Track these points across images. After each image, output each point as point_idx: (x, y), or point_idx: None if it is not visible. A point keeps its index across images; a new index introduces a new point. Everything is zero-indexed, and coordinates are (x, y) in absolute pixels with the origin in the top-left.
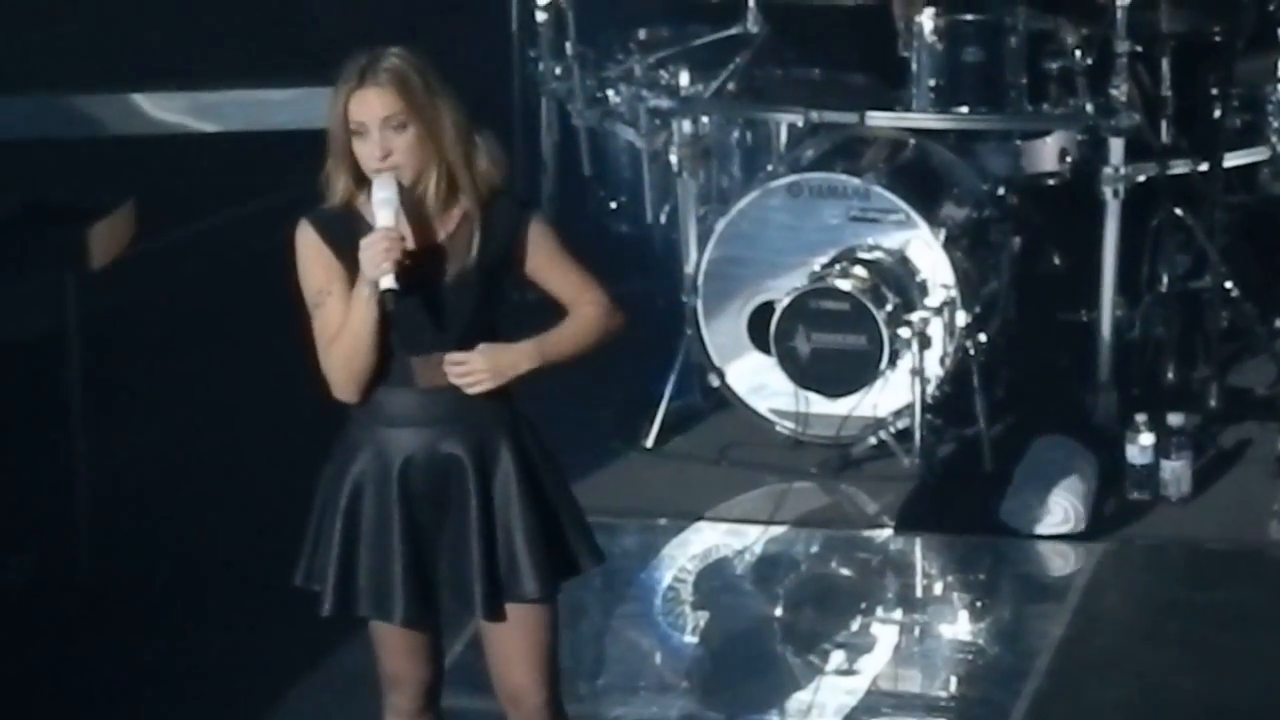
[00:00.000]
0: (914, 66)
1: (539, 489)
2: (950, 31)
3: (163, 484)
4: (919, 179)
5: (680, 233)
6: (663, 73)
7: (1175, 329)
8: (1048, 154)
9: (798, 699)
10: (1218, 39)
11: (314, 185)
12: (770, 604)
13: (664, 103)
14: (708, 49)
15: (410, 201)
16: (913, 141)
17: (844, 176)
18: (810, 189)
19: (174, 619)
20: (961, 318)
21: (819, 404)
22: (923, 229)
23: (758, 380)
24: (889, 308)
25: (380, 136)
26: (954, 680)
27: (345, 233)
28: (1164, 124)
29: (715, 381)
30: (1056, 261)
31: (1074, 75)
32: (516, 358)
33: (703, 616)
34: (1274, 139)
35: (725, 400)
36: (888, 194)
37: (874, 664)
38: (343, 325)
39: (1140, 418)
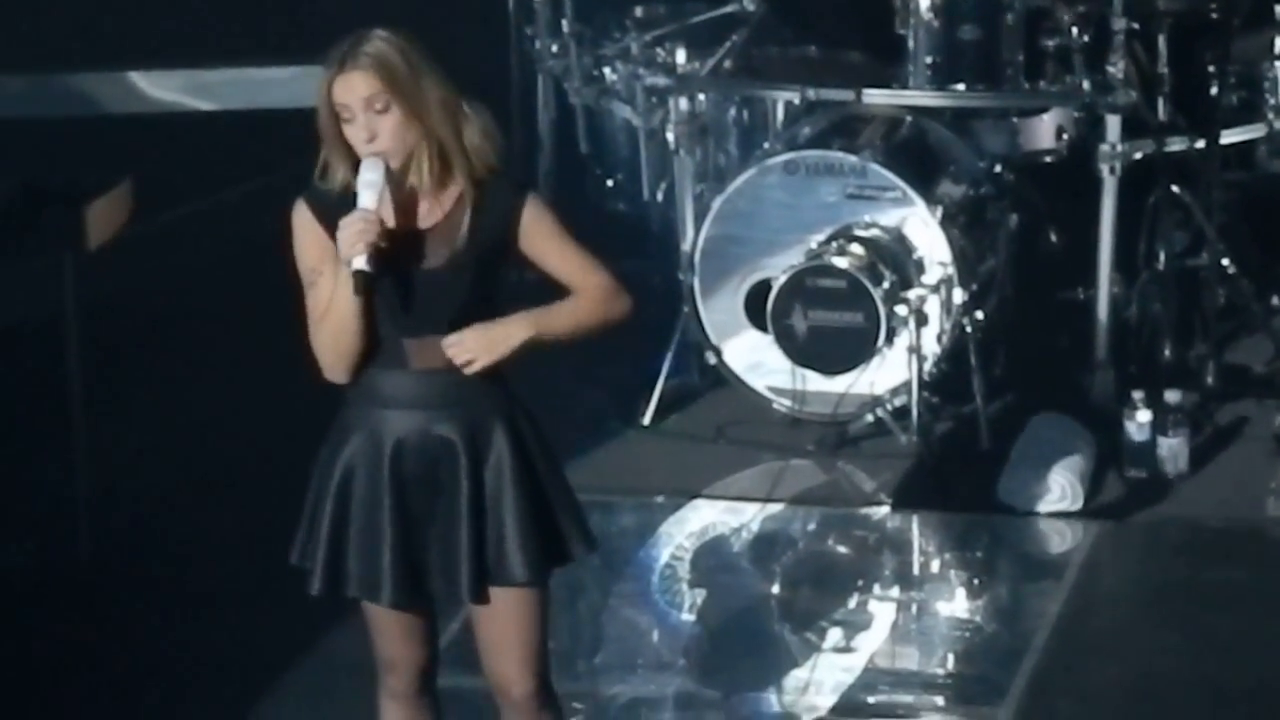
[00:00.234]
0: (911, 44)
1: (532, 474)
2: (947, 9)
3: (161, 468)
4: (916, 157)
5: (677, 210)
6: (659, 50)
7: (1172, 307)
8: (1045, 131)
9: (795, 676)
10: (1215, 16)
11: (312, 165)
12: (767, 582)
13: (661, 80)
14: (704, 27)
15: (401, 183)
16: (909, 119)
17: (841, 154)
18: (807, 167)
19: (172, 603)
20: (958, 295)
21: (816, 382)
22: (920, 207)
23: (755, 358)
24: (886, 285)
25: (365, 119)
26: (951, 658)
27: (340, 213)
28: (1161, 101)
29: (712, 359)
30: (1054, 239)
31: (1071, 52)
32: (510, 329)
33: (700, 594)
34: (1271, 116)
35: (722, 378)
36: (885, 172)
37: (871, 642)
38: (330, 305)
39: (1138, 395)
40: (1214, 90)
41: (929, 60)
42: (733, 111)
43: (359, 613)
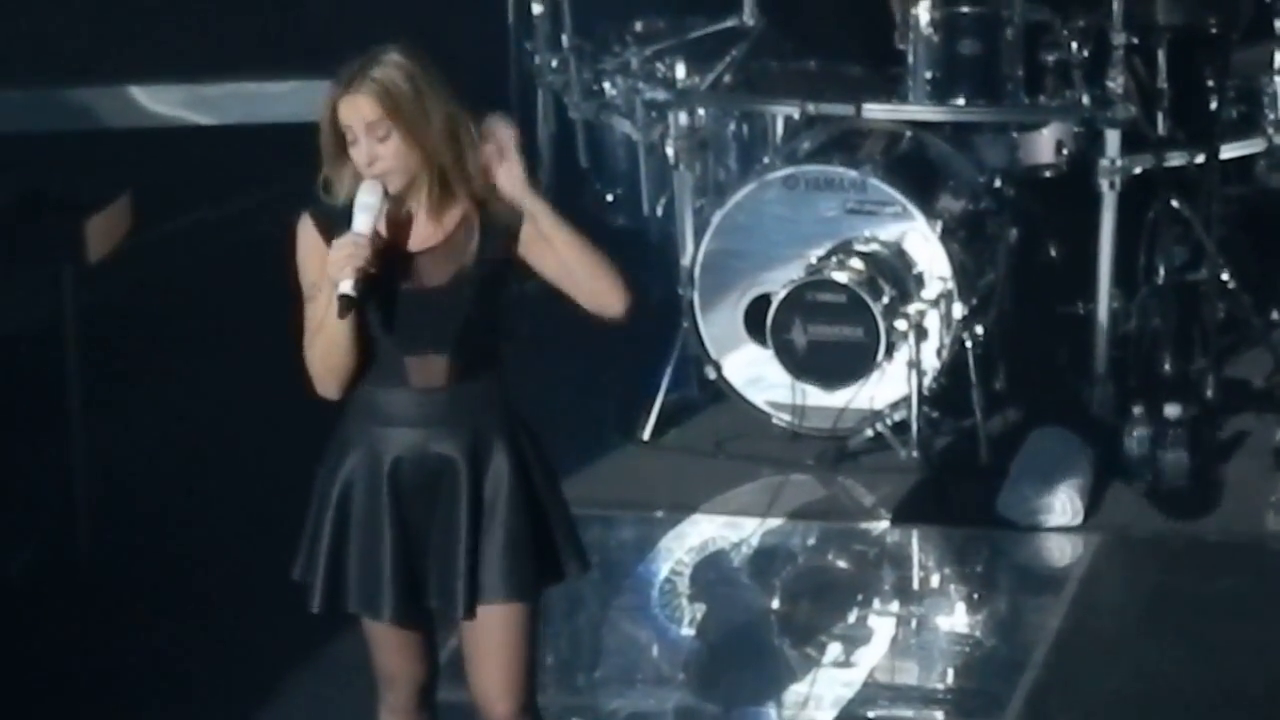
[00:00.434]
0: (910, 58)
1: (530, 492)
2: (947, 23)
3: (161, 475)
4: (915, 171)
5: (677, 225)
6: (659, 65)
7: (1172, 321)
8: (1044, 146)
9: (795, 691)
10: (1214, 31)
11: (311, 178)
12: (767, 596)
13: (660, 95)
14: (704, 41)
15: (401, 204)
16: (909, 133)
17: (840, 169)
18: (807, 181)
19: (172, 610)
20: (958, 310)
21: (816, 396)
22: (919, 221)
23: (754, 372)
24: (886, 300)
25: (366, 143)
26: (951, 672)
27: (343, 229)
28: (1160, 116)
29: (712, 374)
30: (1053, 253)
31: (1070, 67)
32: (535, 197)
33: (699, 609)
34: (1270, 130)
35: (722, 393)
36: (884, 186)
37: (871, 656)
38: (323, 320)
39: (1137, 409)
40: (1213, 105)
41: (929, 75)
42: (732, 126)
43: (358, 621)
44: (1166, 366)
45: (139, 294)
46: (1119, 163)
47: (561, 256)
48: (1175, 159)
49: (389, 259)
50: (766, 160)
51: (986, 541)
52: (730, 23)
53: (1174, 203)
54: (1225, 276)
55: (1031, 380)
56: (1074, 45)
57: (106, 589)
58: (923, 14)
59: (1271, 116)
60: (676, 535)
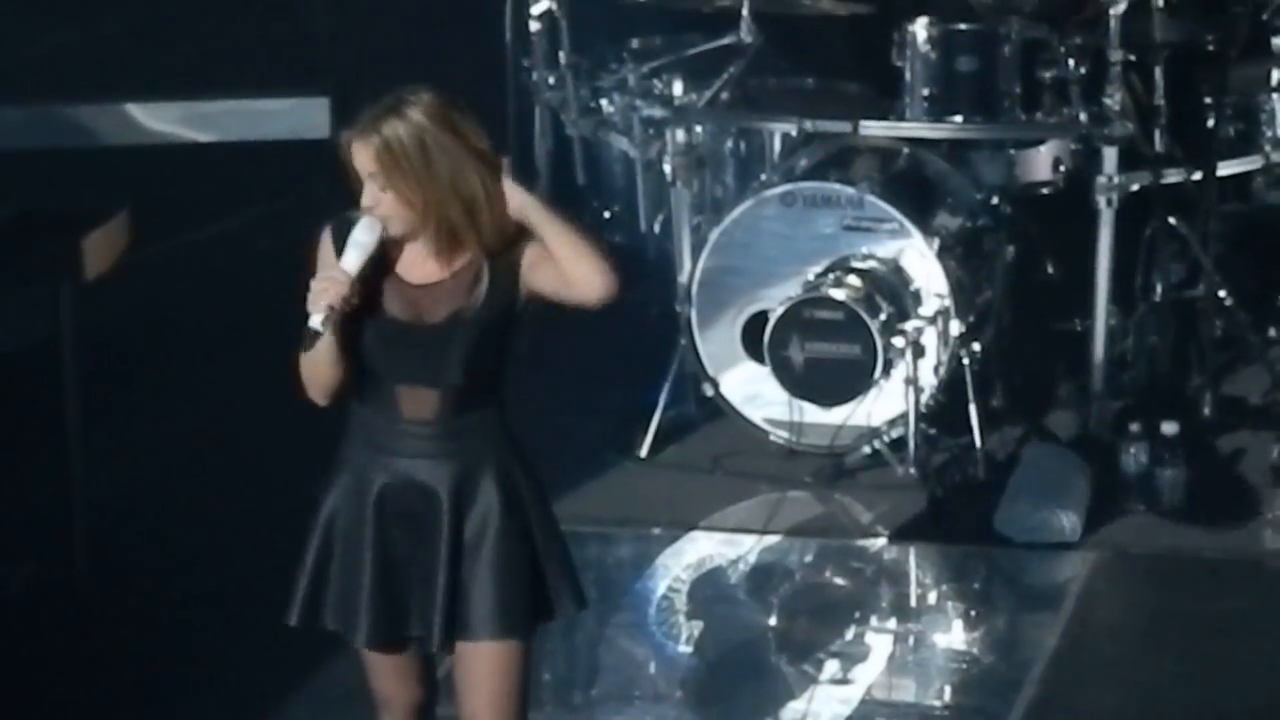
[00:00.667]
0: (908, 75)
1: (522, 528)
2: (944, 40)
3: (159, 493)
4: (913, 188)
5: (674, 242)
6: (656, 82)
7: (1169, 338)
8: (1041, 163)
9: (792, 708)
10: (1211, 48)
11: (308, 195)
12: (765, 613)
13: (658, 112)
14: (701, 58)
15: (402, 242)
16: (906, 150)
17: (838, 186)
18: (804, 198)
19: (171, 629)
20: (955, 327)
21: (813, 413)
22: (917, 238)
23: (752, 389)
24: (883, 317)
25: (369, 187)
26: (949, 690)
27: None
28: (1158, 133)
29: (709, 391)
30: (1050, 270)
31: (1068, 84)
32: (525, 196)
33: (697, 626)
34: (1267, 148)
35: (719, 410)
36: (881, 203)
37: (869, 673)
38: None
39: (1134, 427)
40: (1211, 122)
41: (926, 92)
42: (730, 143)
43: None
44: (1164, 383)
45: (137, 311)
46: (1116, 180)
47: (550, 247)
48: (1173, 176)
49: (387, 286)
50: (764, 177)
51: (984, 559)
52: (728, 40)
53: (1171, 220)
54: (1222, 294)
55: (1029, 397)
56: (1071, 62)
57: (105, 607)
58: (920, 31)
59: (1269, 134)
60: (674, 552)
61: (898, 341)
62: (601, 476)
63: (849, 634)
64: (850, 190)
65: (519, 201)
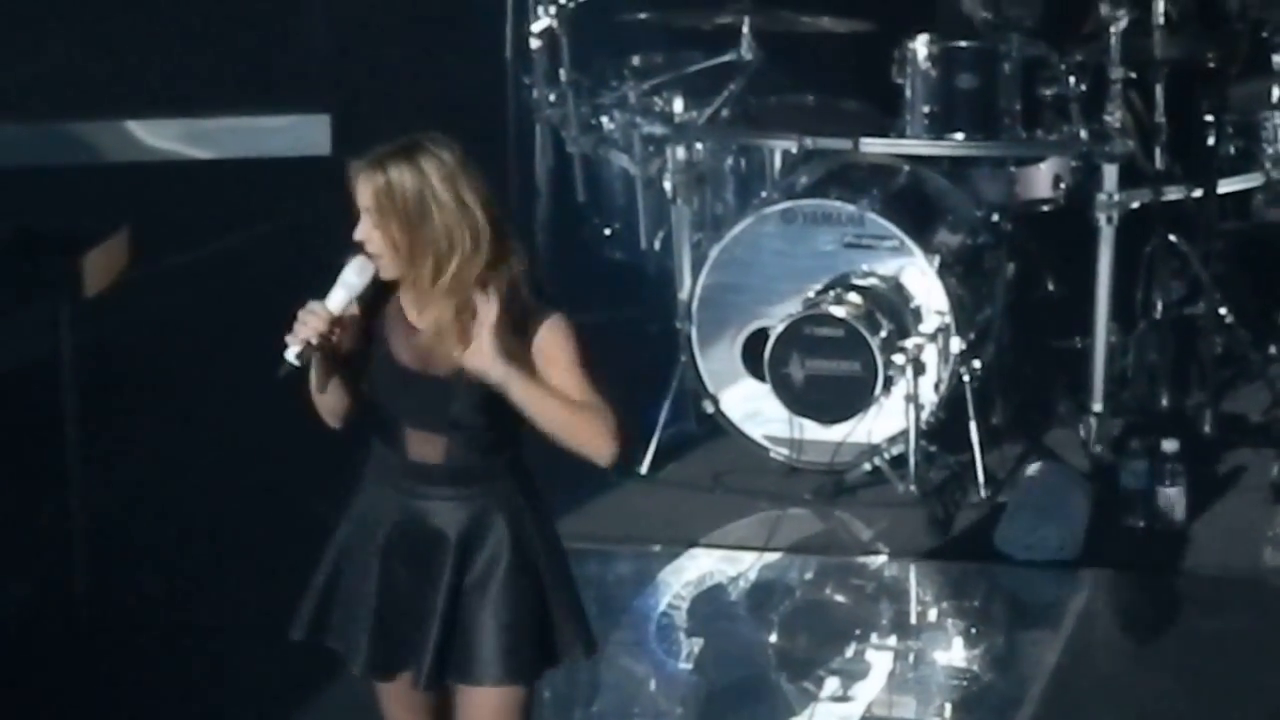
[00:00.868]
0: (908, 93)
1: (530, 573)
2: (944, 58)
3: (158, 511)
4: (913, 205)
5: (674, 259)
6: (657, 99)
7: (1169, 355)
8: (1042, 180)
9: None
10: (1212, 65)
11: (309, 212)
12: (765, 630)
13: (658, 129)
14: (702, 75)
15: (396, 286)
16: (907, 168)
17: (838, 203)
18: (804, 215)
19: (171, 645)
20: (956, 344)
21: (813, 430)
22: (917, 255)
23: (752, 407)
24: (883, 334)
25: (363, 220)
26: (948, 707)
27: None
28: (1158, 150)
29: (709, 408)
30: (1051, 288)
31: (1068, 102)
32: (506, 372)
33: (697, 643)
34: (1268, 165)
35: (719, 427)
36: (882, 220)
37: (869, 690)
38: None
39: (1134, 444)
40: (1211, 139)
41: (926, 109)
42: (730, 160)
43: None
44: (1164, 401)
45: (136, 329)
46: (1116, 197)
47: (539, 424)
48: (1173, 193)
49: (396, 330)
50: (764, 194)
51: (984, 576)
52: (728, 57)
53: (1172, 237)
54: (1223, 311)
55: (1029, 415)
56: (1072, 80)
57: (103, 626)
58: (920, 48)
59: (1269, 151)
60: (674, 569)
61: (898, 359)
62: (602, 493)
63: (849, 651)
64: (851, 208)
65: (498, 374)
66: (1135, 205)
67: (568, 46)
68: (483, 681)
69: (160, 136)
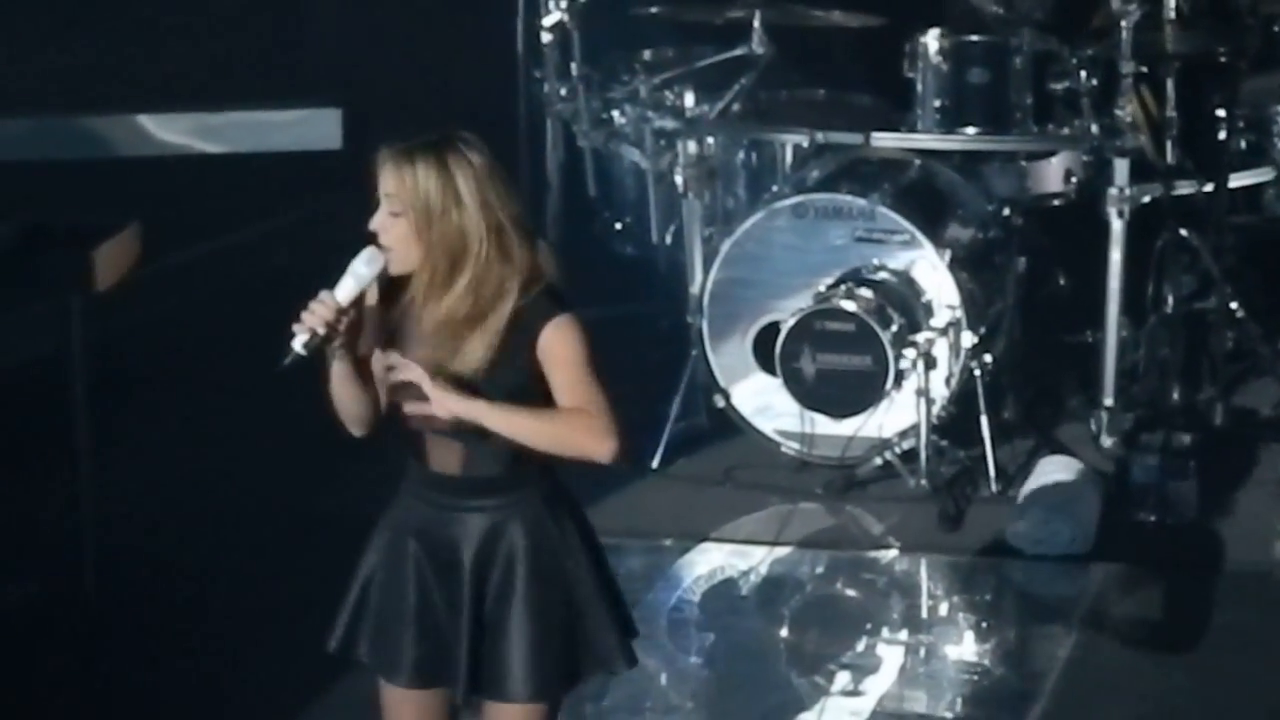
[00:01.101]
0: (919, 87)
1: (556, 584)
2: (955, 52)
3: (168, 507)
4: (924, 200)
5: (685, 253)
6: (668, 94)
7: (1180, 350)
8: (1053, 175)
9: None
10: (1223, 60)
11: (320, 206)
12: (776, 625)
13: (669, 123)
14: (713, 70)
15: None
16: (918, 162)
17: (849, 197)
18: (815, 210)
19: (180, 643)
20: (967, 338)
21: (824, 425)
22: (928, 250)
23: (763, 401)
24: (894, 328)
25: (381, 208)
26: (959, 701)
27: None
28: (1169, 145)
29: (721, 402)
30: (1062, 282)
31: (1079, 96)
32: (467, 407)
33: (708, 637)
34: (1279, 160)
35: (731, 421)
36: (893, 215)
37: (880, 685)
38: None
39: (1145, 438)
40: (1222, 134)
41: (937, 104)
42: (741, 154)
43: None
44: (1175, 395)
45: (147, 323)
46: (1127, 192)
47: (527, 445)
48: (1184, 188)
49: (412, 333)
50: (775, 189)
51: (995, 570)
52: (739, 51)
53: (1182, 232)
54: (1233, 305)
55: (1040, 409)
56: (1083, 74)
57: (112, 623)
58: (932, 43)
59: None
60: (685, 564)
61: (909, 353)
62: (613, 488)
63: (860, 645)
64: (862, 202)
65: (463, 412)
66: (1146, 200)
67: (579, 41)
68: (511, 700)
69: (171, 131)
